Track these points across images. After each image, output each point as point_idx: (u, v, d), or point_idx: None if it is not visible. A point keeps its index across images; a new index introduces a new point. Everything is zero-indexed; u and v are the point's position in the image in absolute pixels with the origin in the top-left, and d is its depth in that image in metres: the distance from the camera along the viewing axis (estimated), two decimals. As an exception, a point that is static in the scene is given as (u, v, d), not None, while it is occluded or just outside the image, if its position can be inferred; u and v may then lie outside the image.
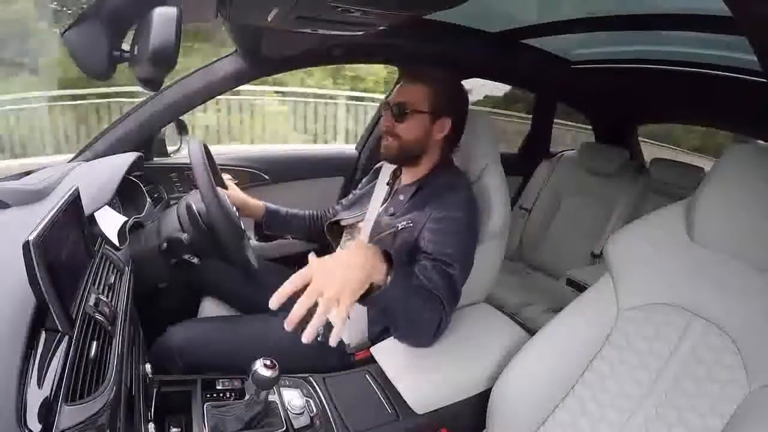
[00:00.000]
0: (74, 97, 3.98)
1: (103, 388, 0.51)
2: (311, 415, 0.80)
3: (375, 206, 1.06)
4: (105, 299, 0.65)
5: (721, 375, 0.69)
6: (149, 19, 0.61)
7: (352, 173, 1.86)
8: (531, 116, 2.43)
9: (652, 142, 5.46)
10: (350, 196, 1.23)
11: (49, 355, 0.49)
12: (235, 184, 1.59)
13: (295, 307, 0.63)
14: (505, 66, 1.82)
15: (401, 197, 1.00)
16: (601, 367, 0.80)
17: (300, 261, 1.27)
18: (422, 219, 0.92)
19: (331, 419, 0.81)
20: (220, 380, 0.85)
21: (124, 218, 0.98)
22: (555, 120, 2.43)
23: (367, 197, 1.11)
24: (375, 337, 1.00)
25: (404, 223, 0.94)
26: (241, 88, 1.63)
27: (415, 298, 0.77)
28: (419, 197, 0.97)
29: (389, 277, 0.70)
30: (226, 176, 1.53)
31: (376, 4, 0.82)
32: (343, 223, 1.13)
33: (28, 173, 1.03)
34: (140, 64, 0.64)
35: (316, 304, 0.64)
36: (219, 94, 1.41)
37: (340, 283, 0.64)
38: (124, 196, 1.09)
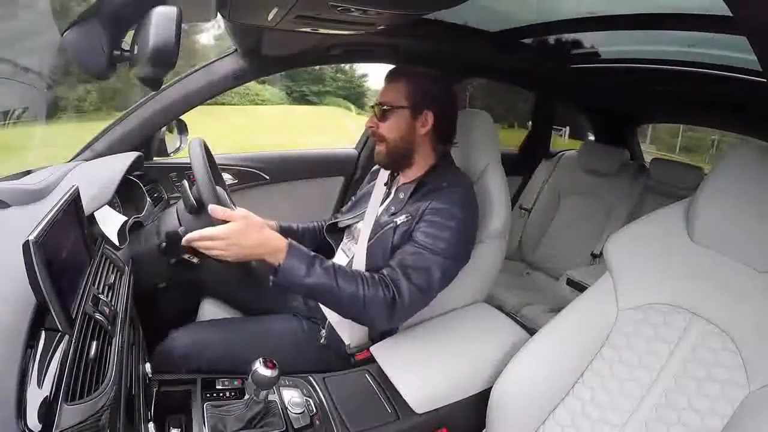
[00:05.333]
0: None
1: (103, 387, 0.51)
2: (311, 414, 0.80)
3: (374, 207, 1.06)
4: (105, 299, 0.65)
5: (721, 375, 0.69)
6: (149, 19, 0.61)
7: (352, 173, 1.86)
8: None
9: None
10: (349, 203, 1.22)
11: (49, 355, 0.49)
12: (235, 183, 1.60)
13: (194, 237, 0.81)
14: (505, 66, 1.82)
15: (401, 195, 1.00)
16: (601, 367, 0.80)
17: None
18: (420, 210, 0.93)
19: (331, 419, 0.81)
20: (220, 380, 0.85)
21: (124, 218, 0.98)
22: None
23: (366, 198, 1.11)
24: (375, 337, 1.00)
25: (403, 217, 0.95)
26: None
27: (342, 282, 0.84)
28: (420, 194, 0.97)
29: (283, 259, 0.82)
30: (226, 176, 1.53)
31: (376, 4, 0.82)
32: (341, 225, 1.13)
33: (28, 173, 1.03)
34: (140, 63, 0.64)
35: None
36: (219, 94, 1.41)
37: (232, 255, 0.81)
38: (124, 196, 1.09)
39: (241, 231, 0.81)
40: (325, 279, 0.83)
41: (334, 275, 0.84)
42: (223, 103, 11.19)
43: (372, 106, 1.02)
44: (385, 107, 0.97)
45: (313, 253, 0.86)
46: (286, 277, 0.82)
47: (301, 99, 13.42)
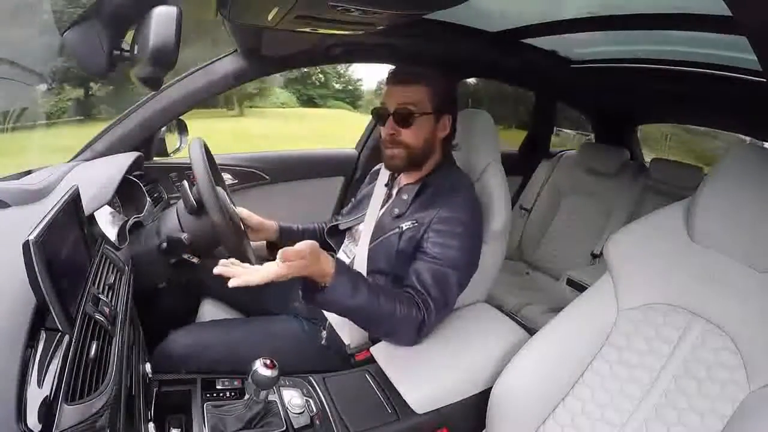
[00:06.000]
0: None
1: (103, 388, 0.51)
2: (311, 414, 0.80)
3: (374, 208, 1.06)
4: (105, 299, 0.65)
5: (721, 375, 0.69)
6: (149, 19, 0.61)
7: (352, 173, 1.86)
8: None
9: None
10: (350, 204, 1.22)
11: (49, 355, 0.49)
12: (235, 183, 1.60)
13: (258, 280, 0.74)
14: (505, 66, 1.82)
15: (405, 197, 1.00)
16: (601, 367, 0.80)
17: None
18: (427, 219, 0.92)
19: (331, 419, 0.81)
20: (220, 380, 0.85)
21: (124, 218, 0.98)
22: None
23: (366, 200, 1.11)
24: (375, 338, 1.00)
25: (408, 223, 0.94)
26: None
27: (382, 301, 0.82)
28: (424, 196, 0.97)
29: (331, 279, 0.78)
30: (226, 176, 1.53)
31: (376, 4, 0.82)
32: (342, 227, 1.13)
33: (28, 173, 1.03)
34: (140, 63, 0.64)
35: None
36: (219, 94, 1.41)
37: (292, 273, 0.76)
38: (124, 196, 1.09)
39: (304, 266, 0.76)
40: (367, 303, 0.81)
41: (377, 297, 0.82)
42: (251, 106, 11.70)
43: (379, 110, 0.96)
44: (414, 113, 0.92)
45: (356, 272, 0.87)
46: (328, 298, 0.80)
47: (309, 101, 14.51)
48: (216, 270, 0.76)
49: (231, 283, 0.72)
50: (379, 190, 1.09)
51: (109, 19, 0.68)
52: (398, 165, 0.98)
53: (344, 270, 0.82)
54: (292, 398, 0.81)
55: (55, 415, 0.44)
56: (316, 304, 0.82)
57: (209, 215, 0.86)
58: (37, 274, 0.48)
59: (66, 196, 0.64)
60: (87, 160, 1.21)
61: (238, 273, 0.74)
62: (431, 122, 0.95)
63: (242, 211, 1.09)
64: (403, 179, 1.05)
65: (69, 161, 1.21)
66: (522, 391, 0.82)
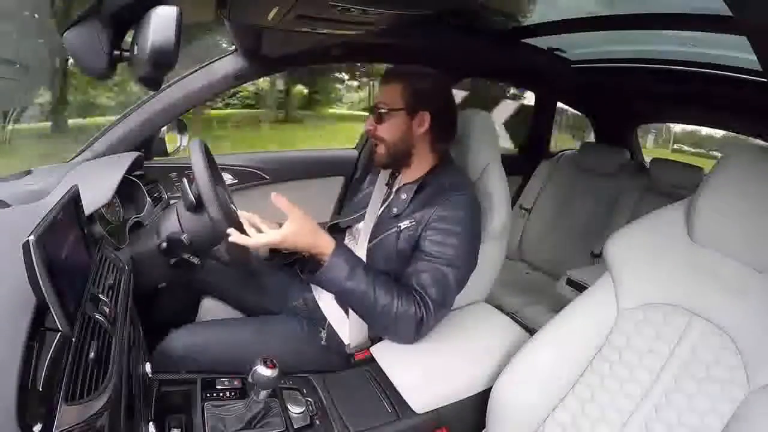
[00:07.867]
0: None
1: (103, 388, 0.51)
2: (311, 414, 0.80)
3: (374, 207, 1.06)
4: (105, 299, 0.65)
5: (721, 375, 0.69)
6: (149, 19, 0.61)
7: (352, 173, 1.86)
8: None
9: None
10: (350, 203, 1.22)
11: (49, 355, 0.49)
12: (235, 183, 1.60)
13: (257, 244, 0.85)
14: (505, 66, 1.82)
15: (404, 196, 1.00)
16: (601, 366, 0.80)
17: (299, 261, 1.27)
18: (425, 217, 0.92)
19: (331, 419, 0.81)
20: (220, 380, 0.85)
21: (125, 218, 0.98)
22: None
23: (366, 198, 1.11)
24: (375, 337, 1.00)
25: (407, 222, 0.94)
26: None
27: (380, 292, 0.85)
28: (423, 195, 0.97)
29: (328, 258, 0.85)
30: (226, 176, 1.53)
31: (376, 4, 0.82)
32: (342, 225, 1.13)
33: (27, 173, 1.03)
34: (140, 63, 0.64)
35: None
36: (219, 94, 1.41)
37: (289, 245, 0.87)
38: (124, 196, 1.09)
39: (295, 233, 0.85)
40: (364, 288, 0.85)
41: (374, 284, 0.85)
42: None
43: (369, 108, 1.01)
44: (381, 110, 0.97)
45: (357, 258, 0.89)
46: (325, 276, 0.85)
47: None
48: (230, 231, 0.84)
49: (231, 238, 0.83)
50: (379, 189, 1.09)
51: (109, 19, 0.68)
52: (381, 160, 1.01)
53: (343, 252, 0.87)
54: (292, 398, 0.81)
55: (55, 415, 0.44)
56: (314, 281, 0.87)
57: (208, 211, 0.86)
58: (37, 274, 0.48)
59: (66, 196, 0.64)
60: (87, 160, 1.21)
61: (244, 239, 0.84)
62: (404, 118, 0.96)
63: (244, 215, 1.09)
64: (403, 178, 1.05)
65: (69, 161, 1.21)
66: (522, 391, 0.82)
